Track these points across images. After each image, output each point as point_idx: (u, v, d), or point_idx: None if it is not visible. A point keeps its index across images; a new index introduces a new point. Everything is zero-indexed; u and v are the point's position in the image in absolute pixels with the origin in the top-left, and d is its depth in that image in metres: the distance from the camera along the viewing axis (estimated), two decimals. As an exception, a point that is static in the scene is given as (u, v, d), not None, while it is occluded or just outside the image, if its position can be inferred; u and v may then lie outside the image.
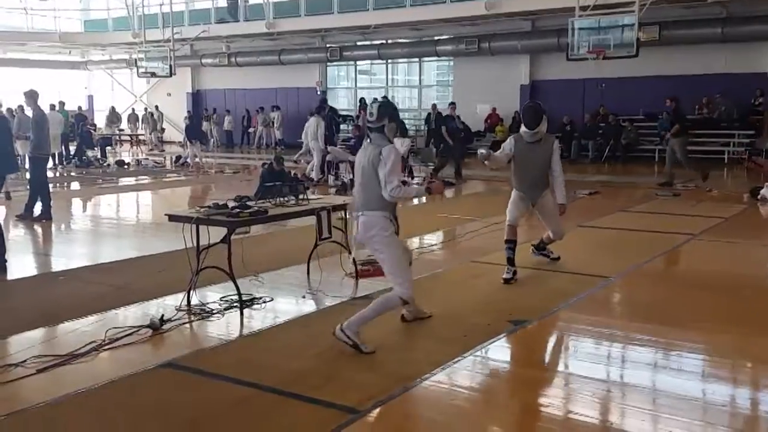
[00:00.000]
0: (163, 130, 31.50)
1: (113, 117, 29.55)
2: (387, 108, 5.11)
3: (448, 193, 14.56)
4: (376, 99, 5.15)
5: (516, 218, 7.16)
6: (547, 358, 5.26)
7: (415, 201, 13.79)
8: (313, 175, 15.77)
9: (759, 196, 12.27)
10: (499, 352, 5.15)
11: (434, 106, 24.31)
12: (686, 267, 7.92)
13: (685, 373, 4.74)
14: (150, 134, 30.48)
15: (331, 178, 15.66)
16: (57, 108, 20.53)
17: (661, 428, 3.91)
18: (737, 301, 6.40)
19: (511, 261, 7.01)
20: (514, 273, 6.97)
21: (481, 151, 6.99)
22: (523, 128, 7.07)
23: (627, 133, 20.56)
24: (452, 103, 17.80)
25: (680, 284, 7.09)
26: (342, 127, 24.68)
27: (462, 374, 4.68)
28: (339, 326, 4.98)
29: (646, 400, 4.31)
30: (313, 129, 15.96)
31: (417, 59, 26.67)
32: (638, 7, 16.50)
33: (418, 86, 27.44)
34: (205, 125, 27.71)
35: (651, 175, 17.15)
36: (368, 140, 5.14)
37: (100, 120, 32.11)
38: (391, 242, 5.03)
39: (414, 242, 9.13)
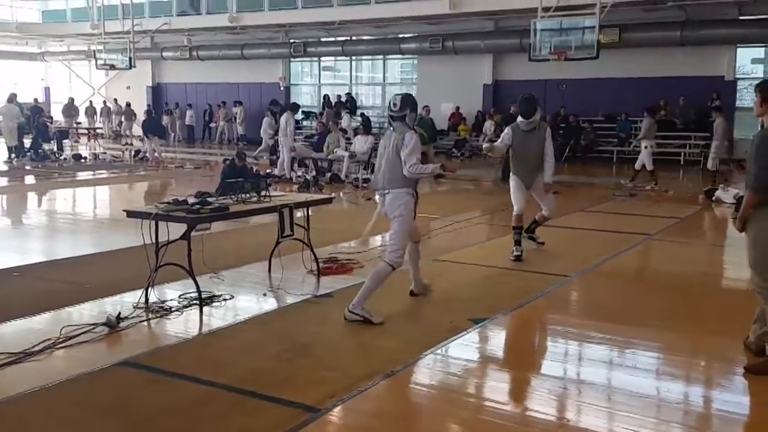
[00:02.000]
0: (121, 123, 31.00)
1: (70, 110, 28.98)
2: (408, 100, 5.72)
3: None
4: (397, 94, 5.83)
5: (522, 207, 7.97)
6: (506, 356, 5.30)
7: (378, 199, 13.82)
8: (286, 172, 15.63)
9: (713, 198, 12.56)
10: (460, 349, 5.18)
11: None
12: (642, 266, 8.07)
13: (640, 371, 4.82)
14: (117, 127, 30.12)
15: (294, 175, 15.58)
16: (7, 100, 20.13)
17: (616, 425, 3.97)
18: (691, 300, 6.54)
19: (518, 243, 7.91)
20: (521, 252, 7.85)
21: (485, 144, 8.07)
22: (519, 118, 7.78)
23: (586, 133, 20.87)
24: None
25: (636, 283, 7.22)
26: (305, 123, 24.53)
27: (423, 372, 4.70)
28: (346, 309, 5.54)
29: (601, 398, 4.38)
30: (282, 126, 15.85)
31: (381, 57, 26.67)
32: (599, 10, 16.75)
33: (382, 84, 27.43)
34: (165, 119, 27.28)
35: (609, 175, 17.43)
36: (391, 128, 5.75)
37: (57, 112, 31.48)
38: (408, 217, 5.72)
39: (376, 241, 9.14)
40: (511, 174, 8.02)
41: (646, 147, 14.37)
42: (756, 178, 4.54)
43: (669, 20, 19.67)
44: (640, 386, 4.50)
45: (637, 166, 14.54)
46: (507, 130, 7.88)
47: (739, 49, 20.20)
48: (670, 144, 20.14)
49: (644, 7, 19.18)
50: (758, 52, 20.58)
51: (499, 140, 7.98)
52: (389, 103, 5.78)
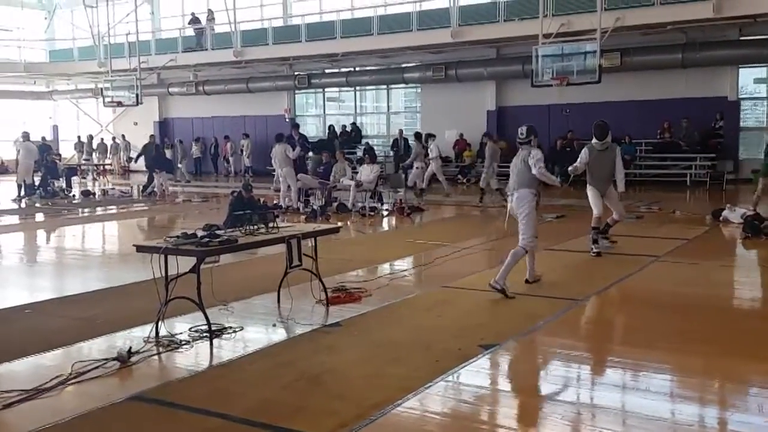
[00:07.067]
0: (130, 159, 31.26)
1: (91, 146, 29.40)
2: (531, 130, 7.69)
3: (417, 218, 14.62)
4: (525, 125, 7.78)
5: (601, 209, 9.52)
6: (517, 382, 5.28)
7: (385, 227, 13.87)
8: (293, 202, 15.63)
9: (721, 218, 12.53)
10: (471, 376, 5.16)
11: (401, 131, 24.46)
12: (652, 288, 8.05)
13: (654, 394, 4.79)
14: (126, 162, 30.43)
15: (301, 205, 15.63)
16: (22, 139, 20.39)
17: (630, 449, 3.95)
18: (701, 321, 6.51)
19: (596, 242, 9.48)
20: (600, 250, 9.42)
21: (570, 168, 9.54)
22: (594, 140, 9.46)
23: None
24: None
25: (646, 305, 7.19)
26: (309, 154, 24.49)
27: (434, 399, 4.69)
28: (492, 280, 7.16)
29: (615, 421, 4.35)
30: (284, 156, 15.60)
31: (385, 86, 26.90)
32: (600, 35, 16.90)
33: (386, 113, 27.63)
34: (168, 154, 27.33)
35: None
36: (520, 148, 7.67)
37: (65, 150, 31.85)
38: (531, 210, 7.43)
39: (384, 268, 9.16)
40: (588, 185, 9.58)
41: (417, 167, 17.39)
42: None
43: (670, 43, 19.79)
44: (653, 409, 4.47)
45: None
46: (584, 150, 9.49)
47: (741, 70, 20.28)
48: (677, 165, 20.17)
49: (645, 30, 19.31)
50: (760, 71, 20.66)
51: (578, 160, 9.53)
52: (518, 132, 7.70)
